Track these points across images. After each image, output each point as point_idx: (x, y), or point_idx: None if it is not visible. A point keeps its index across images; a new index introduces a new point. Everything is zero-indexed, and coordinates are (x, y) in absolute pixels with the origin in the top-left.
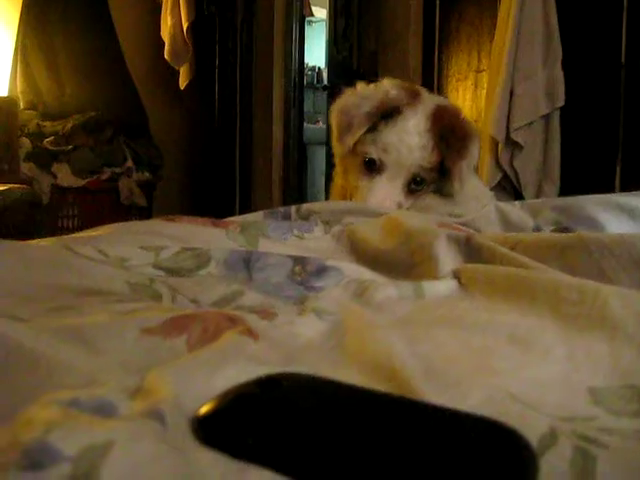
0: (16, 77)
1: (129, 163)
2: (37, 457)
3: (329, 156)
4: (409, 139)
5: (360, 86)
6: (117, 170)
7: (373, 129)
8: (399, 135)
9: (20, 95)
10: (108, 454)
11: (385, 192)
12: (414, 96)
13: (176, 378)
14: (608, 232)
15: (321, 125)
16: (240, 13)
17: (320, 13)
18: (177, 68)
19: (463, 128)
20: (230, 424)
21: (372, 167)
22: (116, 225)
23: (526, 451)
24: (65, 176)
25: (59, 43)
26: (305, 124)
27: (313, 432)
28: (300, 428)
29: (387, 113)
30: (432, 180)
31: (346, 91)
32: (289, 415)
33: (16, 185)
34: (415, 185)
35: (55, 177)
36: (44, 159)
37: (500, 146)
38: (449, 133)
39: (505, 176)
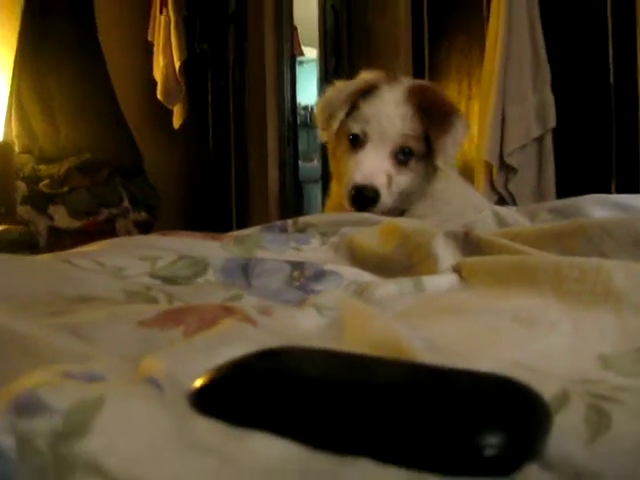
0: (11, 121)
1: (125, 203)
2: (27, 407)
3: (325, 193)
4: (388, 109)
5: (339, 82)
6: (114, 211)
7: (354, 109)
8: (377, 107)
9: (15, 139)
10: (100, 409)
11: (371, 162)
12: (392, 77)
13: (172, 359)
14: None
15: (315, 163)
16: (232, 52)
17: (310, 53)
18: (171, 107)
19: (446, 104)
20: (228, 392)
21: (356, 143)
22: (112, 240)
23: (539, 404)
24: (62, 218)
25: (53, 87)
26: (300, 163)
27: (312, 395)
28: (299, 391)
29: (366, 92)
30: (420, 153)
31: (327, 90)
32: (287, 380)
33: (13, 226)
34: (403, 156)
35: (52, 219)
36: (40, 202)
37: (494, 170)
38: (431, 107)
39: (501, 199)
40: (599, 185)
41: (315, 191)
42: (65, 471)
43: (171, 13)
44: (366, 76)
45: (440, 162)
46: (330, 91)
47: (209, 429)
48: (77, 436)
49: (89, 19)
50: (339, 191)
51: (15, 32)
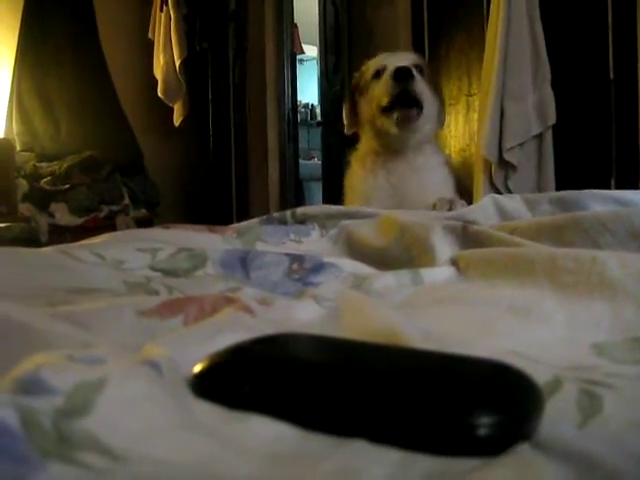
0: (12, 120)
1: (126, 201)
2: (30, 388)
3: (326, 191)
4: (397, 53)
5: None
6: (114, 208)
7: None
8: (390, 54)
9: (16, 137)
10: (101, 390)
11: (400, 60)
12: None
13: (171, 345)
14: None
15: (316, 161)
16: (232, 49)
17: (311, 51)
18: (171, 105)
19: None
20: (226, 375)
21: (378, 75)
22: (113, 233)
23: (530, 386)
24: (63, 215)
25: (53, 85)
26: (301, 160)
27: (309, 378)
28: (296, 375)
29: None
30: (430, 76)
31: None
32: (285, 363)
33: (14, 224)
34: (419, 69)
35: (53, 217)
36: (41, 199)
37: (493, 167)
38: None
39: None
40: (599, 182)
41: (316, 189)
42: (68, 447)
43: (171, 11)
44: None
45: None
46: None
47: (208, 411)
48: (79, 415)
49: (89, 17)
50: (367, 140)
51: (16, 31)
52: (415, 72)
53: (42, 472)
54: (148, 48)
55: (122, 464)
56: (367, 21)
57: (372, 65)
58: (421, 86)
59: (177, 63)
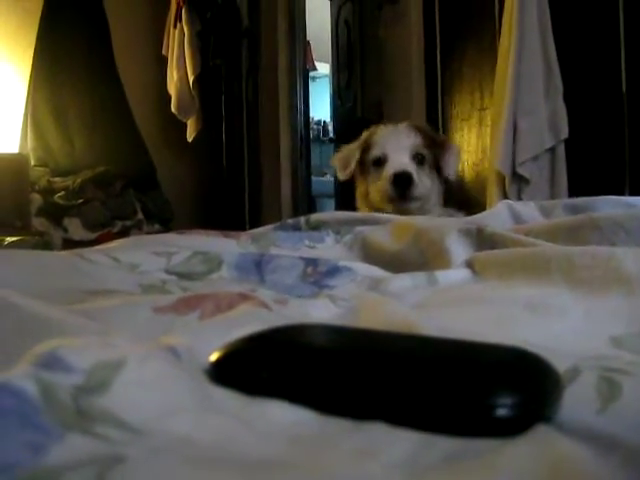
0: (26, 135)
1: (139, 216)
2: (49, 365)
3: (338, 208)
4: (397, 132)
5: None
6: (128, 223)
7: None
8: (389, 134)
9: (31, 152)
10: (120, 370)
11: (399, 160)
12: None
13: (189, 336)
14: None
15: (329, 178)
16: (245, 66)
17: (323, 68)
18: (184, 121)
19: (439, 135)
20: (244, 362)
21: (379, 163)
22: (129, 238)
23: (549, 369)
24: (76, 230)
25: (68, 100)
26: (313, 177)
27: (328, 363)
28: (315, 360)
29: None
30: (429, 162)
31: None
32: (302, 349)
33: (28, 237)
34: (419, 160)
35: (66, 231)
36: (55, 214)
37: (507, 180)
38: (429, 134)
39: None
40: (612, 195)
41: (328, 205)
42: (86, 421)
43: (185, 28)
44: (365, 134)
45: (447, 173)
46: (342, 151)
47: (226, 396)
48: (97, 392)
49: (104, 34)
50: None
51: (31, 47)
52: (415, 173)
53: (61, 442)
54: (162, 64)
55: (140, 437)
56: (379, 38)
57: (377, 138)
58: (420, 187)
59: (191, 79)
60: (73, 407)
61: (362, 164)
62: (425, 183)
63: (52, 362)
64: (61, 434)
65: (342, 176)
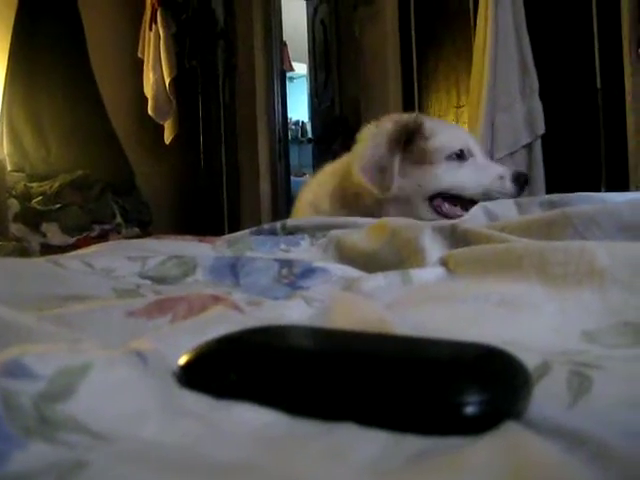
0: (2, 140)
1: (118, 219)
2: (12, 372)
3: None
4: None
5: (355, 147)
6: (106, 227)
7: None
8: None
9: (7, 157)
10: (86, 375)
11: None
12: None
13: (158, 339)
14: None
15: (307, 178)
16: (221, 67)
17: (300, 69)
18: (161, 123)
19: None
20: (212, 364)
21: (462, 157)
22: (104, 244)
23: (517, 366)
24: (55, 235)
25: (43, 104)
26: (292, 178)
27: (297, 364)
28: (284, 362)
29: (409, 134)
30: None
31: (343, 158)
32: (270, 351)
33: (5, 243)
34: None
35: (44, 236)
36: (33, 219)
37: None
38: None
39: None
40: (589, 190)
41: None
42: (49, 428)
43: (160, 30)
44: (395, 125)
45: None
46: (361, 158)
47: (194, 399)
48: (61, 399)
49: (79, 37)
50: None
51: (5, 51)
52: None
53: (23, 449)
54: (138, 67)
55: (105, 442)
56: (355, 38)
57: (435, 127)
58: None
59: (167, 81)
60: (35, 415)
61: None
62: None
63: (15, 369)
64: (23, 442)
65: (382, 194)
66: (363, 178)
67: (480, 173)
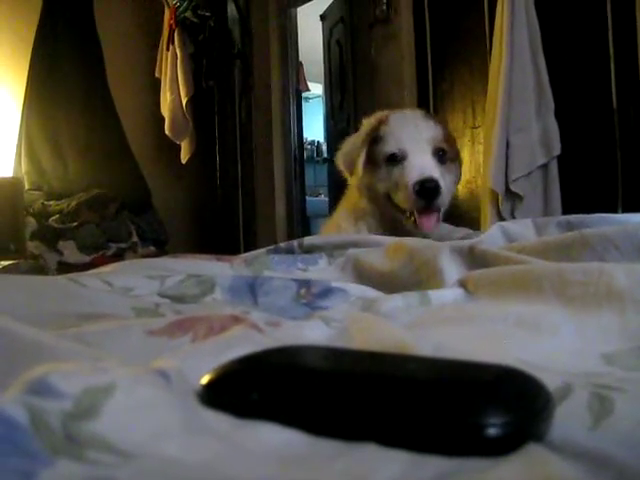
0: (20, 158)
1: (134, 238)
2: (39, 391)
3: None
4: (415, 123)
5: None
6: (122, 245)
7: (375, 144)
8: (404, 125)
9: (25, 176)
10: (110, 394)
11: (422, 162)
12: (394, 110)
13: (180, 358)
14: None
15: (323, 198)
16: (238, 87)
17: (316, 89)
18: (178, 143)
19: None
20: (234, 384)
21: (395, 159)
22: (122, 262)
23: (539, 388)
24: (71, 253)
25: (62, 124)
26: (307, 197)
27: (318, 385)
28: (305, 381)
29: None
30: (450, 157)
31: (341, 145)
32: (293, 371)
33: (23, 261)
34: (440, 156)
35: (61, 254)
36: (50, 237)
37: (500, 198)
38: (443, 127)
39: None
40: (606, 210)
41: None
42: (76, 446)
43: (178, 50)
44: (369, 120)
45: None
46: (344, 146)
47: (216, 418)
48: (87, 418)
49: (97, 57)
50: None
51: (25, 70)
52: (440, 177)
53: (51, 468)
54: (155, 87)
55: (130, 460)
56: (371, 58)
57: (390, 129)
58: (444, 194)
59: (184, 101)
60: (62, 433)
61: (368, 156)
62: (449, 187)
63: (42, 388)
64: (51, 460)
65: (356, 178)
66: (338, 161)
67: (404, 191)
